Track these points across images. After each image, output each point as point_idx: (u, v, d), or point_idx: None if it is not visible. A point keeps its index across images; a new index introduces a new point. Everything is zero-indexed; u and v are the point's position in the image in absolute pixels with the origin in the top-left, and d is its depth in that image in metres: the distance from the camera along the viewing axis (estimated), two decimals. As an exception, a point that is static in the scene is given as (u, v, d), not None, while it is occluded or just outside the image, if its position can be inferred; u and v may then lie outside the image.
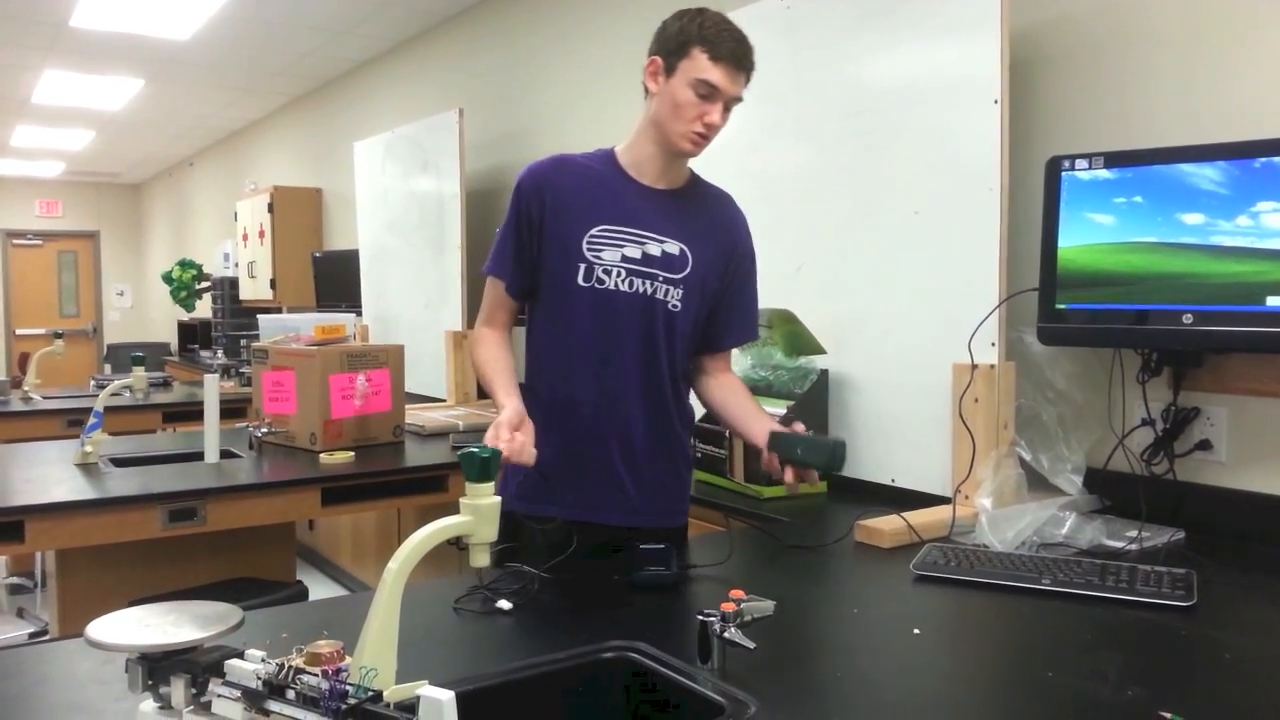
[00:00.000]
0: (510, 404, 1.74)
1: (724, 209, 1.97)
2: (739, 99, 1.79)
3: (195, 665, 0.98)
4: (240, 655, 0.99)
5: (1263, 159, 1.77)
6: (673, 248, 1.85)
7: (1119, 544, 1.86)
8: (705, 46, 1.73)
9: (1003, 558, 1.74)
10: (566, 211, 1.84)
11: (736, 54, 1.74)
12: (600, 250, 1.83)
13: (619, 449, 1.87)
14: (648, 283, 1.84)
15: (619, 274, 1.83)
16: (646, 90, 1.82)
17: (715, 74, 1.73)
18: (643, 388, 1.87)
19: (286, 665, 0.96)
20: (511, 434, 1.66)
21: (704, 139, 1.79)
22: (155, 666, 0.99)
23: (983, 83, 2.13)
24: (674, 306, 1.86)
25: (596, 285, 1.83)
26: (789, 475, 1.77)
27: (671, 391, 1.90)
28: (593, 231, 1.83)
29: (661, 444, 1.91)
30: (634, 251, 1.83)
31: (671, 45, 1.77)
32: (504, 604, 1.52)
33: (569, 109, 4.06)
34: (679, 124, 1.77)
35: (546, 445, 1.82)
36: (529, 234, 1.86)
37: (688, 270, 1.86)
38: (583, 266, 1.82)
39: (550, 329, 1.89)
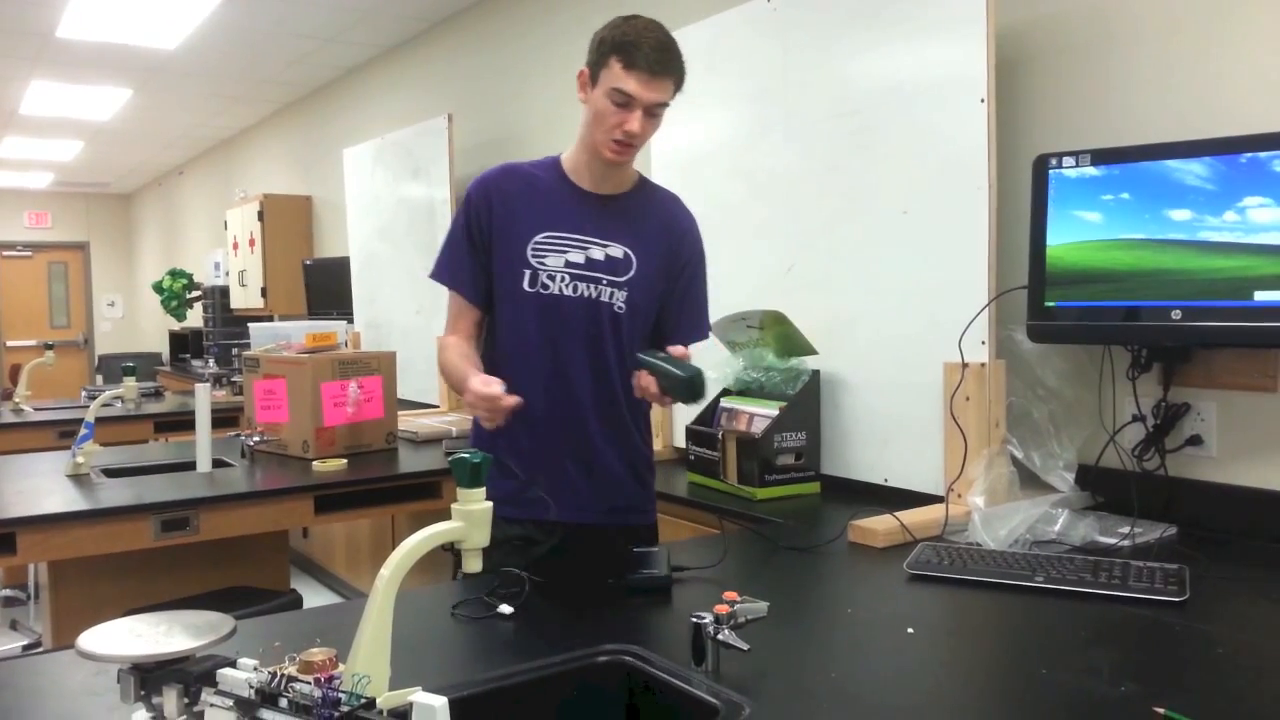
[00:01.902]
0: (474, 373, 1.77)
1: (670, 211, 1.99)
2: (664, 104, 1.78)
3: (187, 675, 0.98)
4: (233, 664, 0.99)
5: (1248, 154, 1.78)
6: (616, 251, 1.88)
7: (1111, 540, 1.87)
8: (620, 55, 1.74)
9: (996, 556, 1.74)
10: (513, 219, 1.87)
11: (650, 61, 1.73)
12: (544, 256, 1.86)
13: (576, 449, 1.89)
14: (591, 286, 1.86)
15: (563, 279, 1.86)
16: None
17: (629, 83, 1.73)
18: (593, 389, 1.89)
19: (279, 673, 0.96)
20: (486, 386, 1.69)
21: (626, 146, 1.80)
22: (147, 677, 0.99)
23: (970, 82, 2.14)
24: (619, 308, 1.88)
25: (541, 290, 1.86)
26: (656, 397, 1.74)
27: (623, 392, 1.90)
28: (537, 238, 1.86)
29: (616, 444, 1.93)
30: (577, 256, 1.86)
31: (594, 56, 1.80)
32: (505, 608, 1.52)
33: (558, 113, 4.06)
34: (599, 133, 1.80)
35: (499, 449, 1.80)
36: (480, 240, 1.89)
37: (632, 273, 1.89)
38: (527, 273, 1.85)
39: (501, 336, 1.91)
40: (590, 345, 1.88)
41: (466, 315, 1.94)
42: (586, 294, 1.87)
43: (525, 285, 1.86)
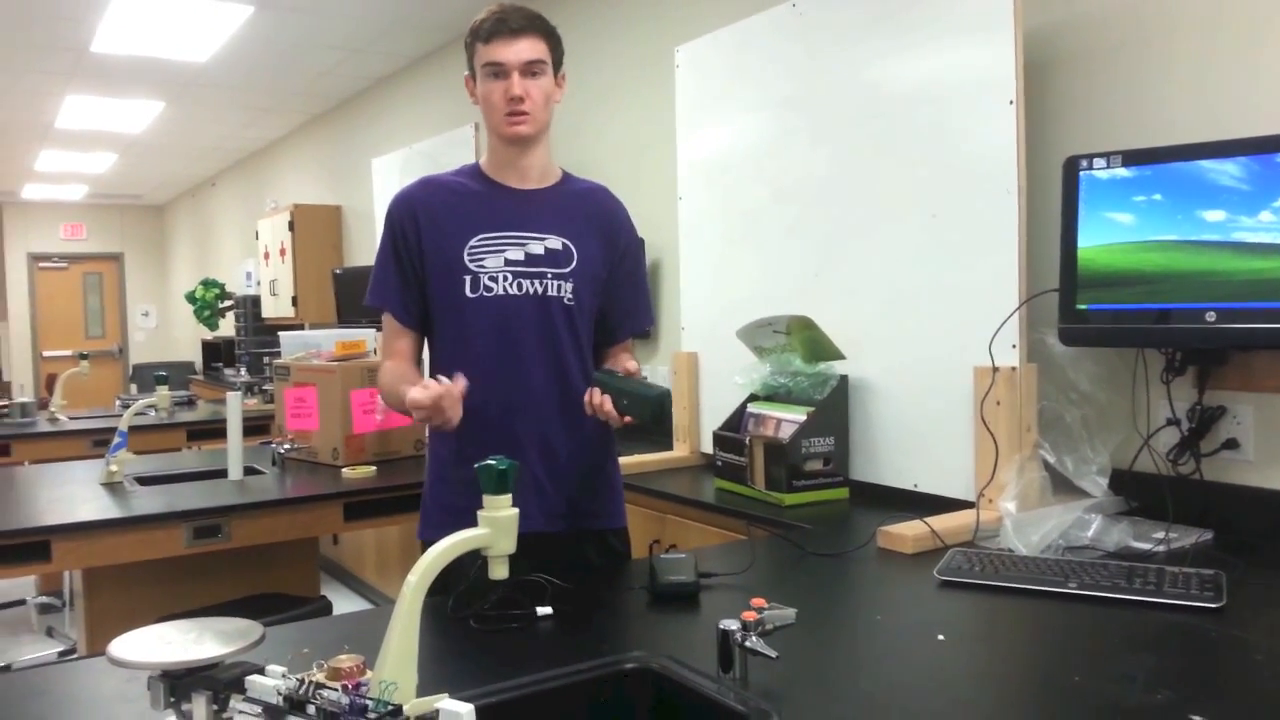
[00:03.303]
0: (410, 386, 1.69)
1: (600, 200, 1.97)
2: (539, 62, 1.80)
3: (216, 682, 0.98)
4: (261, 671, 0.99)
5: (1283, 153, 1.75)
6: (555, 243, 1.86)
7: (1146, 546, 1.84)
8: (477, 38, 1.80)
9: (1028, 561, 1.72)
10: (443, 228, 1.84)
11: (499, 25, 1.77)
12: (482, 258, 1.83)
13: (538, 454, 1.85)
14: (536, 281, 1.84)
15: (505, 278, 1.83)
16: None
17: (492, 52, 1.77)
18: (553, 387, 1.85)
19: (307, 680, 0.96)
20: (437, 385, 1.62)
21: (522, 114, 1.80)
22: (177, 684, 0.99)
23: (998, 84, 2.12)
24: (569, 300, 1.86)
25: (485, 294, 1.82)
26: (613, 418, 1.71)
27: (583, 387, 1.83)
28: (472, 242, 1.83)
29: (582, 443, 1.89)
30: (516, 253, 1.84)
31: (467, 57, 1.85)
32: (543, 610, 1.51)
33: (582, 120, 4.07)
34: (494, 113, 1.81)
35: (463, 463, 1.74)
36: (409, 258, 1.86)
37: (574, 264, 1.86)
38: (468, 279, 1.82)
39: (450, 347, 1.86)
40: (545, 342, 1.84)
41: (401, 339, 1.90)
42: (532, 290, 1.83)
43: (467, 291, 1.82)
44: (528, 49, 1.78)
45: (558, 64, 1.86)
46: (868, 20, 2.45)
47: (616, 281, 1.95)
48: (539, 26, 1.80)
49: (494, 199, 1.87)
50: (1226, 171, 1.81)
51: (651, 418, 1.66)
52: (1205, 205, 1.84)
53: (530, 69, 1.79)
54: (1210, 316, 1.82)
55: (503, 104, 1.79)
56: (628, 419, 1.71)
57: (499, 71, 1.78)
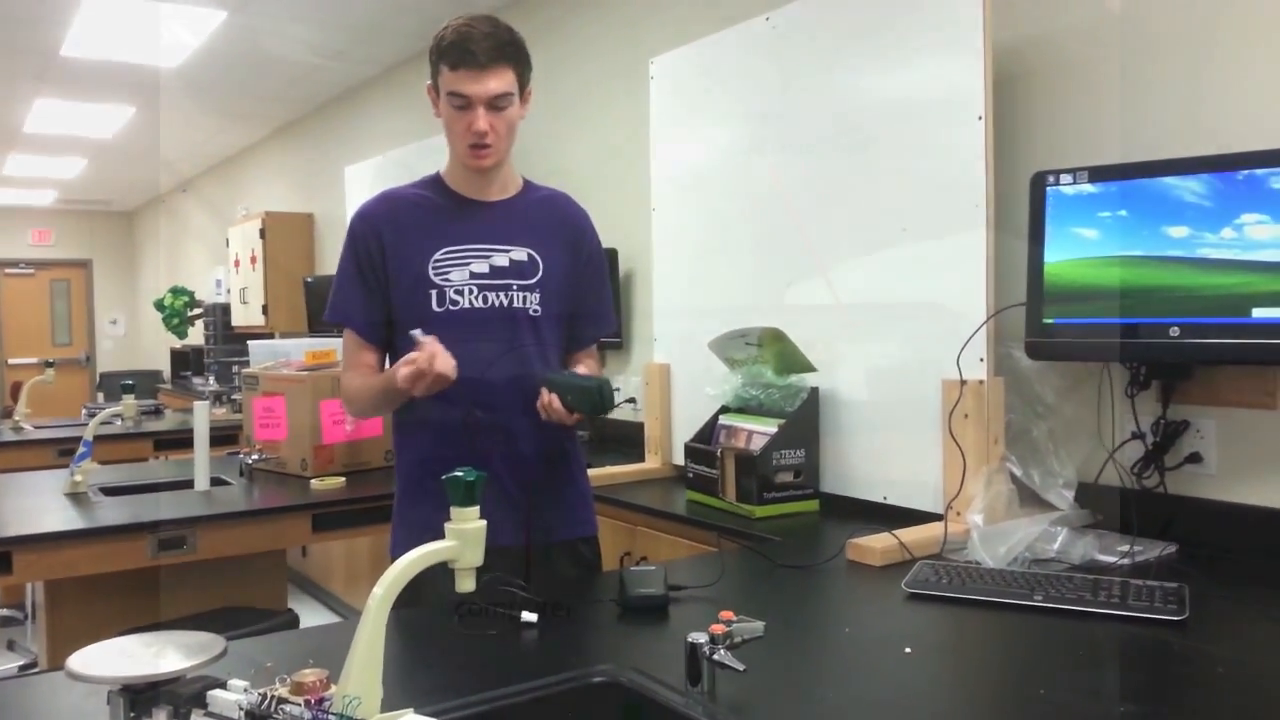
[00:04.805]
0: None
1: (562, 208, 1.97)
2: (507, 95, 1.75)
3: (177, 696, 0.97)
4: (223, 685, 0.98)
5: (1245, 171, 1.78)
6: (520, 254, 1.85)
7: (1111, 559, 1.86)
8: (446, 60, 1.73)
9: (995, 574, 1.74)
10: (407, 243, 1.83)
11: (475, 55, 1.70)
12: (447, 272, 1.82)
13: (507, 466, 1.84)
14: (502, 294, 1.83)
15: (471, 291, 1.82)
16: None
17: (458, 83, 1.72)
18: (521, 400, 1.83)
19: (269, 695, 0.95)
20: (427, 354, 1.65)
21: (484, 148, 1.77)
22: (137, 698, 0.98)
23: (967, 99, 2.14)
24: (535, 312, 1.85)
25: (451, 307, 1.81)
26: (563, 415, 1.76)
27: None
28: (436, 256, 1.82)
29: (551, 453, 1.89)
30: (481, 266, 1.83)
31: (431, 69, 1.79)
32: (529, 616, 1.52)
33: (556, 130, 4.08)
34: (455, 140, 1.79)
35: (431, 477, 1.70)
36: (372, 274, 1.84)
37: (540, 274, 1.86)
38: (434, 293, 1.81)
39: None
40: (511, 354, 1.83)
41: (365, 354, 1.88)
42: (498, 302, 1.83)
43: (434, 306, 1.81)
44: (495, 83, 1.73)
45: (525, 84, 1.82)
46: (841, 35, 2.47)
47: (579, 287, 1.95)
48: (508, 56, 1.74)
49: (457, 212, 1.86)
50: (1190, 188, 1.84)
51: (594, 408, 1.72)
52: (1169, 222, 1.86)
53: (496, 103, 1.75)
54: (1174, 331, 1.84)
55: (464, 135, 1.76)
56: (576, 415, 1.75)
57: (465, 104, 1.74)
